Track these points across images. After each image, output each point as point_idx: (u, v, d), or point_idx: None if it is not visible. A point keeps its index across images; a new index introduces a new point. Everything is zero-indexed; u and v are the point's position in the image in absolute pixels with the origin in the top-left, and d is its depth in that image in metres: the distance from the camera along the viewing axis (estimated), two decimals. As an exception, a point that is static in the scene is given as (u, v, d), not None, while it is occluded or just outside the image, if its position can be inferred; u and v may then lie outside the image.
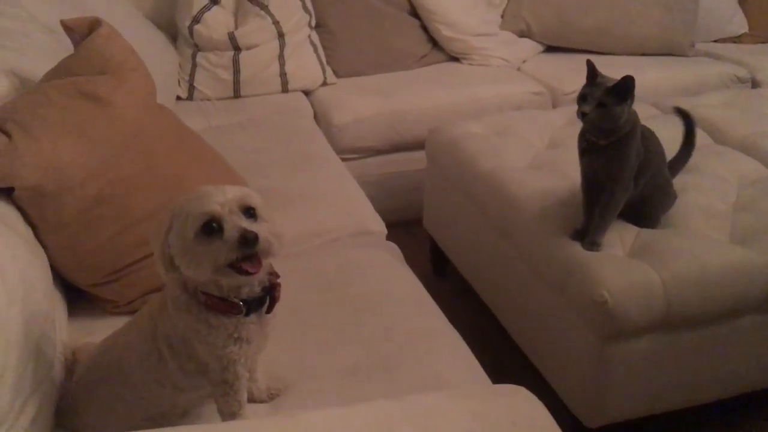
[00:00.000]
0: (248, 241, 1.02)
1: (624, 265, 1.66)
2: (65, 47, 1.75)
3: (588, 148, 1.67)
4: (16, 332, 1.08)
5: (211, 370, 1.15)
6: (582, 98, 1.60)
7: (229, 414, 1.20)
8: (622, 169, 1.64)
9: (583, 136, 1.68)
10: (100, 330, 1.40)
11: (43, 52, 1.77)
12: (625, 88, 1.57)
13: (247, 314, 1.12)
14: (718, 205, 1.92)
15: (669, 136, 1.92)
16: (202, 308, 1.11)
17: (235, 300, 1.11)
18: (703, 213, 1.86)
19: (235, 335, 1.12)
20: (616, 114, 1.57)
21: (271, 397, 1.34)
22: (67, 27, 1.64)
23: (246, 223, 1.04)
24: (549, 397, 1.18)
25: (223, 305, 1.10)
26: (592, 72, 1.62)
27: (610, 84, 1.58)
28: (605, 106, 1.57)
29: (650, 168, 1.72)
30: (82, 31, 1.63)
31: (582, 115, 1.59)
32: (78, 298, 1.56)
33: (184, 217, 1.04)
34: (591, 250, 1.70)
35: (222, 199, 1.04)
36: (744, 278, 1.67)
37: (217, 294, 1.11)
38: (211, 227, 1.03)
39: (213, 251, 1.02)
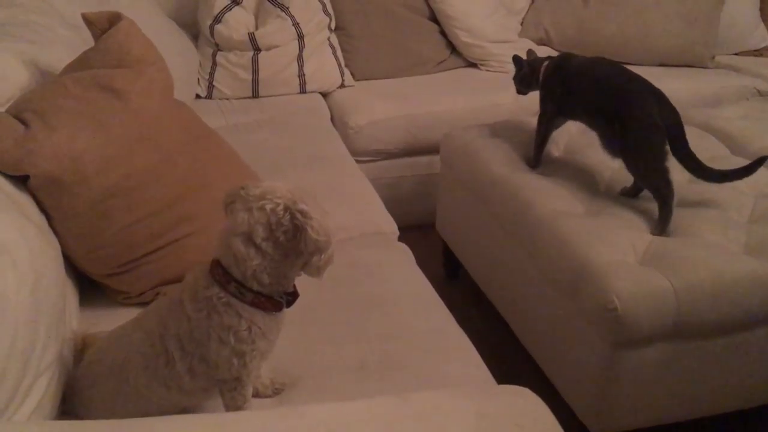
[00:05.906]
0: None
1: (635, 273, 1.65)
2: (87, 42, 1.76)
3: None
4: (25, 317, 1.08)
5: (225, 369, 1.17)
6: None
7: (234, 408, 1.21)
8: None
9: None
10: (110, 320, 1.41)
11: (65, 46, 1.79)
12: None
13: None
14: (733, 216, 1.90)
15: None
16: (246, 306, 1.14)
17: (280, 298, 1.18)
18: (718, 223, 1.84)
19: (263, 331, 1.17)
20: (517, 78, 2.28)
21: (276, 392, 1.35)
22: (88, 21, 1.66)
23: None
24: (556, 403, 1.18)
25: (268, 302, 1.16)
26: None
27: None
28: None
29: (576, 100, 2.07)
30: (102, 24, 1.64)
31: None
32: (90, 287, 1.57)
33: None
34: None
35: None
36: (758, 290, 1.65)
37: (261, 291, 1.15)
38: None
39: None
